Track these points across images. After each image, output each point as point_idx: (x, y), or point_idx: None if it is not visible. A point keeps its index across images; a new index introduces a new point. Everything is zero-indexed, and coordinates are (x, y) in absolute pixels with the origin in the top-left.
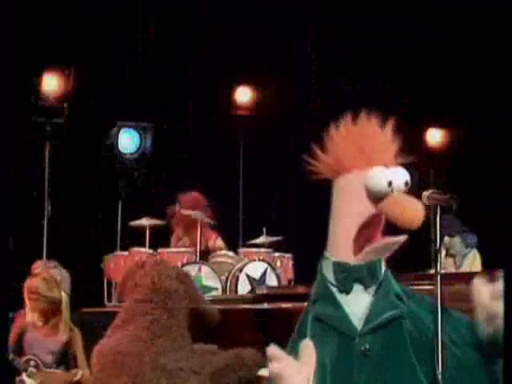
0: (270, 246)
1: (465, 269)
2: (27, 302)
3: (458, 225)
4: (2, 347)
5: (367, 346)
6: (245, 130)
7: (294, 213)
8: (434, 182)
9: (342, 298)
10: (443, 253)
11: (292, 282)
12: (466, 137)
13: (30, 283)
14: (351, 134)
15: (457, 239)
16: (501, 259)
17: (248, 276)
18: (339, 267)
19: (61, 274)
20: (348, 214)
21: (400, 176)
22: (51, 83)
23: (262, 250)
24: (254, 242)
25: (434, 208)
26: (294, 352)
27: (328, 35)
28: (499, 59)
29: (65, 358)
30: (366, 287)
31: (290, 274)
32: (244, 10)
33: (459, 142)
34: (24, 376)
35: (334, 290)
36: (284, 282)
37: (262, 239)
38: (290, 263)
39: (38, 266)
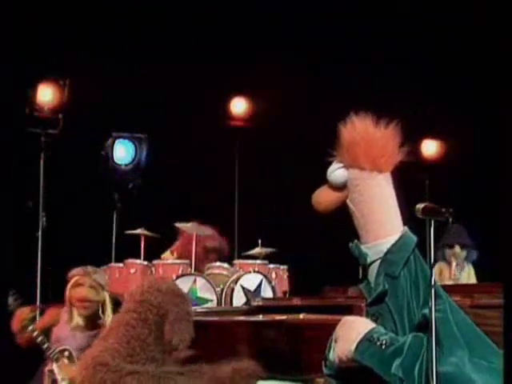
0: (265, 257)
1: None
2: (75, 309)
3: (465, 236)
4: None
5: (374, 314)
6: (240, 142)
7: (290, 225)
8: (429, 194)
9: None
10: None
11: (287, 294)
12: (462, 148)
13: (77, 294)
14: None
15: (463, 253)
16: (500, 272)
17: (243, 288)
18: None
19: (103, 278)
20: None
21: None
22: (46, 94)
23: (258, 261)
24: (248, 253)
25: (428, 221)
26: None
27: (324, 47)
28: (496, 70)
29: None
30: (364, 265)
31: (285, 286)
32: (239, 18)
33: (455, 154)
34: (54, 366)
35: None
36: (279, 294)
37: (257, 250)
38: (285, 275)
39: (77, 274)
